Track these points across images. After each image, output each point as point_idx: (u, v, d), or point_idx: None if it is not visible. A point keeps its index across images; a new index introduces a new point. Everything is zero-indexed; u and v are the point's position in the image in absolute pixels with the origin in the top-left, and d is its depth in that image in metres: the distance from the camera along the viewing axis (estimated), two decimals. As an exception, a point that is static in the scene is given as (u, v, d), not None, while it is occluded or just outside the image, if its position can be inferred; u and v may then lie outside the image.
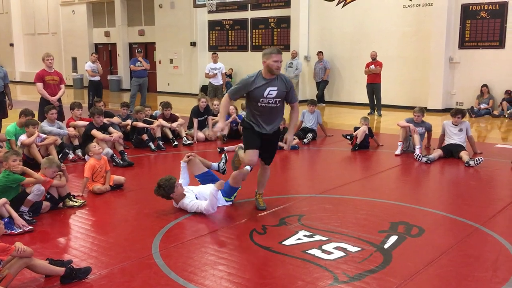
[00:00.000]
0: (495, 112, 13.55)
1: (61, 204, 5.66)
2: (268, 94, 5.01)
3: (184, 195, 5.47)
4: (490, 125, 12.54)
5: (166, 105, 9.88)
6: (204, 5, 16.60)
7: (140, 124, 9.24)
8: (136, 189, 6.55)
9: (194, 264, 4.13)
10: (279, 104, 5.11)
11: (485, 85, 13.87)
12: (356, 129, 9.25)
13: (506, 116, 13.10)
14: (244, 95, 5.13)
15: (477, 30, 14.07)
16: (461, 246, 4.50)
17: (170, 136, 9.49)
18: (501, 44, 13.72)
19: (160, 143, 9.14)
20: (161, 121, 9.48)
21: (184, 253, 4.35)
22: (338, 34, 16.48)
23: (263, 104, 5.04)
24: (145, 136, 9.09)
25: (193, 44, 19.90)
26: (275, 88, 5.02)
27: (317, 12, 16.95)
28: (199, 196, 5.49)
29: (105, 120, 8.61)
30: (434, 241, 4.65)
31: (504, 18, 13.59)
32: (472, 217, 5.26)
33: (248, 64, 18.93)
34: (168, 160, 8.58)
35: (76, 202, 5.69)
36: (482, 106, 13.77)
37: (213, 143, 9.80)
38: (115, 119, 9.37)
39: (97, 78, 13.47)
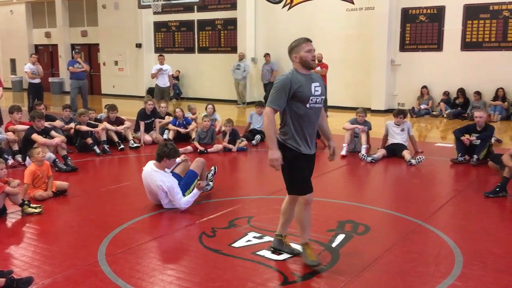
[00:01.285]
0: (434, 113, 14.11)
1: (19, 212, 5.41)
2: (315, 91, 3.99)
3: (167, 173, 5.62)
4: (430, 124, 13.05)
5: (112, 108, 9.66)
6: (149, 6, 16.32)
7: (84, 128, 8.98)
8: (81, 194, 6.35)
9: (142, 269, 4.05)
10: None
11: (424, 87, 14.42)
12: (303, 130, 9.36)
13: (445, 116, 13.68)
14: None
15: (417, 33, 14.60)
16: (404, 242, 4.65)
17: (116, 139, 9.28)
18: (439, 47, 14.31)
19: (106, 146, 8.92)
20: (106, 124, 9.25)
21: (132, 259, 4.26)
22: (284, 36, 16.57)
23: (311, 105, 3.94)
24: (89, 140, 8.84)
25: (139, 45, 19.56)
26: (318, 84, 4.05)
27: (263, 15, 17.07)
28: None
29: (47, 124, 8.30)
30: (379, 238, 4.78)
31: (442, 21, 14.18)
32: (414, 214, 5.44)
33: (195, 66, 18.84)
34: (114, 164, 8.38)
35: (36, 208, 5.46)
36: (422, 106, 14.31)
37: (161, 146, 9.66)
38: (58, 123, 9.05)
39: (38, 81, 12.97)
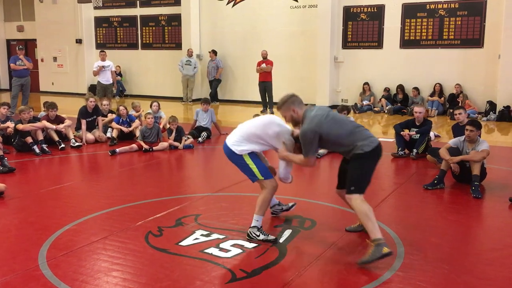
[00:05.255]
0: (376, 108, 14.53)
1: None
2: None
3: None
4: (372, 120, 13.42)
5: (51, 106, 9.29)
6: (89, 1, 15.89)
7: (28, 127, 8.56)
8: (19, 196, 6.08)
9: (86, 272, 3.93)
10: None
11: (366, 83, 14.82)
12: (249, 126, 9.39)
13: (386, 111, 14.11)
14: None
15: (358, 31, 14.98)
16: (349, 235, 4.76)
17: (56, 138, 8.96)
18: (379, 44, 14.74)
19: (44, 146, 8.58)
20: (45, 123, 8.90)
21: (75, 262, 4.12)
22: (230, 33, 16.64)
23: None
24: (29, 139, 8.48)
25: (79, 41, 18.95)
26: None
27: (208, 11, 16.97)
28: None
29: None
30: (325, 232, 4.87)
31: (382, 20, 14.62)
32: (358, 207, 5.56)
33: (139, 62, 18.48)
34: (54, 164, 8.08)
35: None
36: (365, 102, 14.69)
37: (104, 144, 9.42)
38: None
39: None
